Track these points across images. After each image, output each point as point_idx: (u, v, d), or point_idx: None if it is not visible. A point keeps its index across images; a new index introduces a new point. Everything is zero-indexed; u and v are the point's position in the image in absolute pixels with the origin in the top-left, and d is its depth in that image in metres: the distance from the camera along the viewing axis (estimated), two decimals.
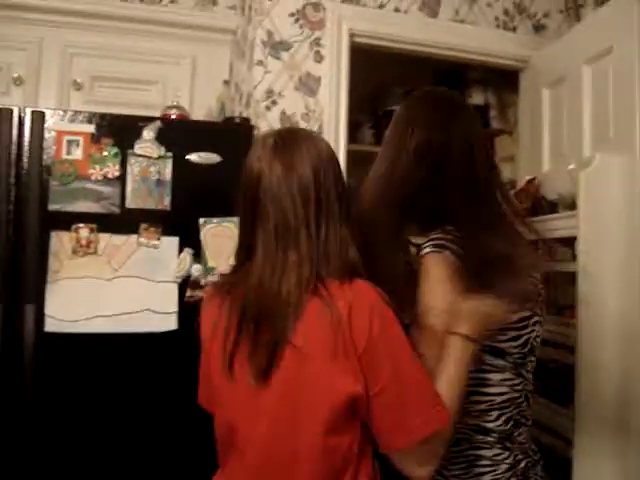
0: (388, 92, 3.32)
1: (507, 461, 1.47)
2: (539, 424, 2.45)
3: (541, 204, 2.63)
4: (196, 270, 2.30)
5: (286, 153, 1.37)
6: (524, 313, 1.48)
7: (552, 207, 2.57)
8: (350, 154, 2.74)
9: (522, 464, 1.49)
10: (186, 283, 2.29)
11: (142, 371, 2.26)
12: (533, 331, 1.51)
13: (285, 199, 1.34)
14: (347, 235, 1.36)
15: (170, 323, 2.28)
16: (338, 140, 2.68)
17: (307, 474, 1.29)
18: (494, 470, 1.46)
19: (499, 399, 1.47)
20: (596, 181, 2.18)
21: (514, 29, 3.00)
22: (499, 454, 1.47)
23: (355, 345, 1.25)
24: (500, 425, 1.47)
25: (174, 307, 2.28)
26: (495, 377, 1.47)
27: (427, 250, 1.45)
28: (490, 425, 1.47)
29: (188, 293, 2.29)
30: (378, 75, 3.15)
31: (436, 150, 1.48)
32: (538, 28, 3.04)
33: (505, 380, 1.47)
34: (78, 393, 2.20)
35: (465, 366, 1.34)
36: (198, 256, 2.30)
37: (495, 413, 1.47)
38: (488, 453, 1.47)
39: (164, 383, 2.26)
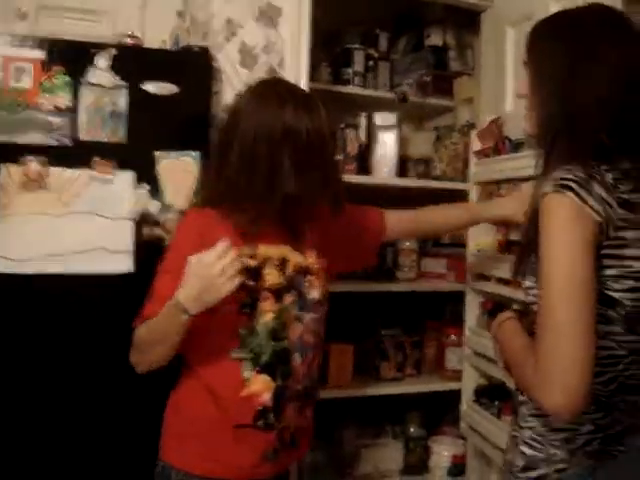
0: (346, 31, 3.23)
1: (598, 421, 1.33)
2: None
3: (504, 143, 2.59)
4: (153, 206, 2.20)
5: None
6: None
7: (516, 146, 2.53)
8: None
9: (617, 429, 1.35)
10: (143, 221, 2.19)
11: (95, 316, 2.16)
12: None
13: None
14: None
15: (126, 263, 2.17)
16: (299, 77, 2.57)
17: None
18: (576, 429, 1.33)
19: (603, 353, 1.28)
20: None
21: None
22: (589, 413, 1.31)
23: None
24: (599, 383, 1.30)
25: (130, 245, 2.18)
26: (601, 328, 1.26)
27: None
28: None
29: (145, 231, 2.18)
30: (336, 13, 3.05)
31: None
32: None
33: (612, 334, 1.30)
34: (26, 337, 2.10)
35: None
36: (156, 192, 2.20)
37: (597, 369, 1.23)
38: None
39: (118, 329, 2.16)
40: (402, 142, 3.13)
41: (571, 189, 1.23)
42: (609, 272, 1.27)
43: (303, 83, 2.57)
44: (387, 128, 3.04)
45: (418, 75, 3.26)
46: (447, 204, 2.32)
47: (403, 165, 3.14)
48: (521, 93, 1.47)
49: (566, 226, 1.23)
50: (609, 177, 1.27)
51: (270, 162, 1.62)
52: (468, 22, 3.31)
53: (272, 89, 1.72)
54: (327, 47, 3.16)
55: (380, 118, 3.05)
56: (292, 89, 1.77)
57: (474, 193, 2.84)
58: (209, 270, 1.51)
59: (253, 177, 1.63)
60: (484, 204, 2.51)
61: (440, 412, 3.16)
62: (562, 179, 1.25)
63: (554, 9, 2.37)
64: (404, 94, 3.15)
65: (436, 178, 3.16)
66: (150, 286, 1.68)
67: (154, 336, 1.65)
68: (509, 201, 2.21)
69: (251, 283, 1.67)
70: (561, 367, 1.19)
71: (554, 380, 1.19)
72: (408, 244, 3.13)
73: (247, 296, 1.69)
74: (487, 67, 3.02)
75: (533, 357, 1.27)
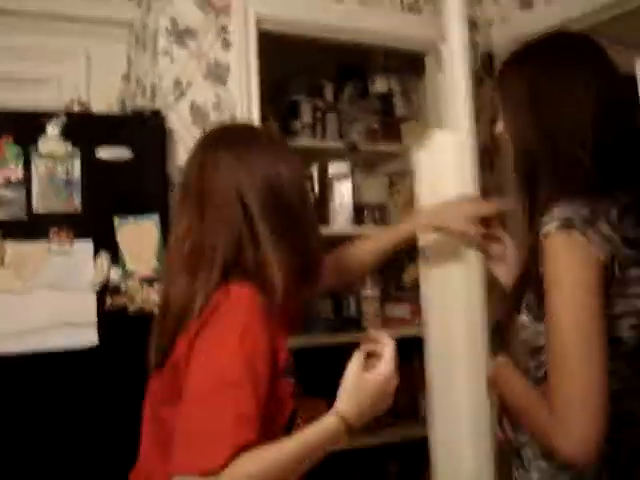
0: (291, 82, 3.23)
1: (605, 455, 1.23)
2: None
3: None
4: (115, 274, 2.13)
5: None
6: None
7: None
8: None
9: (624, 461, 1.29)
10: (106, 291, 2.11)
11: (62, 394, 2.06)
12: None
13: None
14: None
15: (90, 337, 2.09)
16: None
17: None
18: None
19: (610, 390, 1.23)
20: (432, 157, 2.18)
21: (420, 12, 2.95)
22: None
23: None
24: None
25: (93, 318, 2.10)
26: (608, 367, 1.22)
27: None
28: None
29: (108, 302, 2.11)
30: (283, 64, 3.05)
31: None
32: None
33: (616, 371, 1.24)
34: None
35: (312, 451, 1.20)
36: (117, 260, 2.13)
37: None
38: None
39: (87, 406, 2.07)
40: (356, 190, 3.12)
41: (576, 228, 1.21)
42: (614, 310, 1.25)
43: None
44: (341, 177, 3.04)
45: (366, 123, 3.27)
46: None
47: (359, 213, 3.14)
48: (499, 131, 1.46)
49: (573, 268, 1.20)
50: (614, 214, 1.26)
51: (301, 215, 1.37)
52: (411, 66, 3.35)
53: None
54: (273, 100, 3.15)
55: (333, 168, 3.05)
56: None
57: None
58: (392, 382, 1.28)
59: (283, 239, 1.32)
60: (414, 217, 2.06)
61: (419, 463, 3.10)
62: (566, 218, 1.22)
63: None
64: (354, 143, 3.16)
65: (392, 224, 3.17)
66: (206, 406, 1.16)
67: (291, 466, 1.18)
68: (446, 208, 1.86)
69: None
70: (580, 417, 1.15)
71: (573, 430, 1.15)
72: (370, 291, 3.11)
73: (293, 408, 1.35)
74: (431, 110, 3.04)
75: (544, 402, 1.23)
